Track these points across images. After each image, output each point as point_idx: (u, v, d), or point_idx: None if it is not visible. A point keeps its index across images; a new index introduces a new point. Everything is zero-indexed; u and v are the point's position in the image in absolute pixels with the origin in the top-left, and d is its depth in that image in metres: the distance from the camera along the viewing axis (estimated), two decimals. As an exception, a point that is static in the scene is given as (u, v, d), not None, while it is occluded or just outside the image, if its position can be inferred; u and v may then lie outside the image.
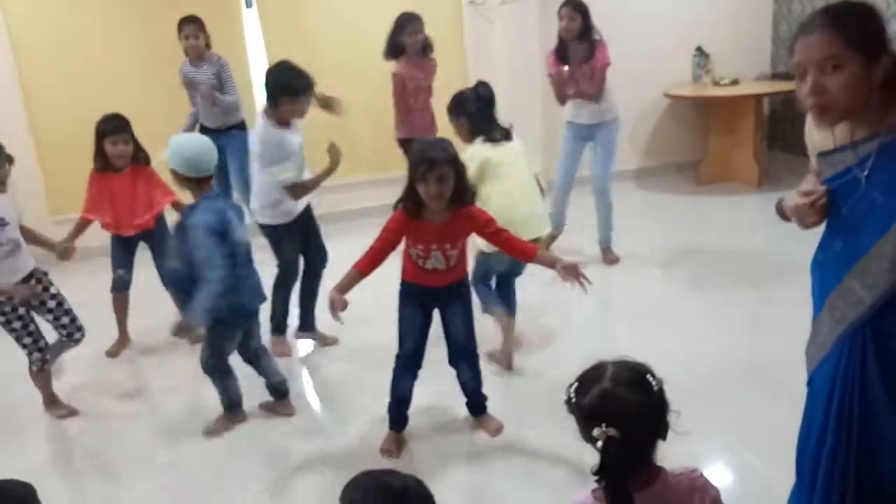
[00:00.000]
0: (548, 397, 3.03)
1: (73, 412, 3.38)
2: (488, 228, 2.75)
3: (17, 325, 3.17)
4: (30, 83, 5.27)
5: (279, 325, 3.83)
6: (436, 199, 2.59)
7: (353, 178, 5.54)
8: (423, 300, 2.88)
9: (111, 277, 3.89)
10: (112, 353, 3.96)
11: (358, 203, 5.65)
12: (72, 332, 3.31)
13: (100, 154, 3.61)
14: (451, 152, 2.63)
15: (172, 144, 2.93)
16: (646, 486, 1.43)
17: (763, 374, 3.09)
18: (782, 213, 1.78)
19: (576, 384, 1.45)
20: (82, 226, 3.70)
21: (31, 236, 3.28)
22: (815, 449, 1.80)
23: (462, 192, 2.67)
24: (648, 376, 1.44)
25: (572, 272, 2.59)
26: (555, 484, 2.62)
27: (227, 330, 3.05)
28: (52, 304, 3.23)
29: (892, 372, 1.65)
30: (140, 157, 3.68)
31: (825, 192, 1.68)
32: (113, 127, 3.57)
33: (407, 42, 4.64)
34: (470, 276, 3.06)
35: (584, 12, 4.47)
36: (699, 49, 6.18)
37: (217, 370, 3.13)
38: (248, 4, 5.73)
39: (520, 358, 3.51)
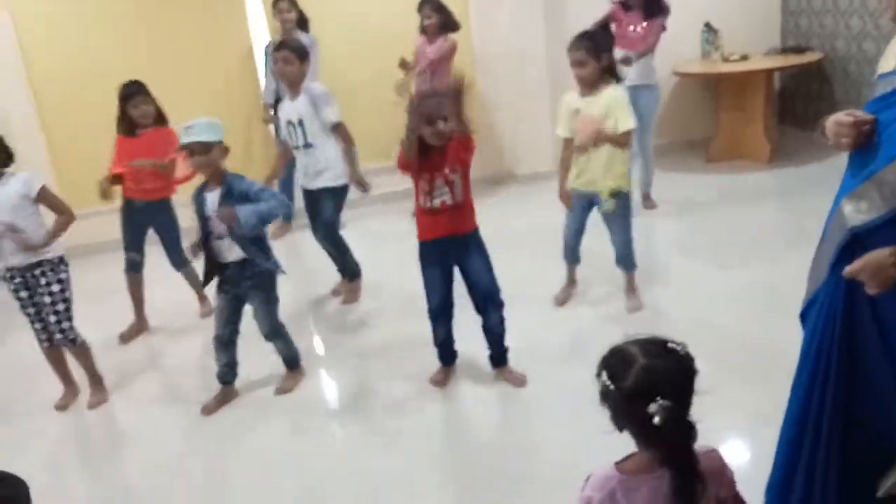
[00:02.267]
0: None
1: (74, 394, 3.52)
2: (466, 146, 2.92)
3: (31, 311, 3.32)
4: (39, 83, 5.30)
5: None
6: (442, 139, 2.87)
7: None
8: (440, 256, 3.08)
9: (124, 258, 4.05)
10: (126, 337, 4.08)
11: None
12: (53, 331, 3.33)
13: (123, 118, 3.83)
14: (450, 96, 2.84)
15: (199, 124, 3.07)
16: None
17: (776, 349, 3.05)
18: (823, 133, 1.77)
19: (605, 373, 1.44)
20: (112, 180, 3.82)
21: (60, 219, 3.30)
22: (795, 385, 1.83)
23: (463, 129, 2.88)
24: (670, 343, 1.45)
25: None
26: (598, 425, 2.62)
27: (275, 291, 3.30)
28: (45, 300, 3.27)
29: (886, 312, 1.64)
30: (162, 119, 3.91)
31: (873, 120, 1.67)
32: (133, 90, 3.81)
33: (425, 25, 5.10)
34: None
35: None
36: (707, 25, 6.10)
37: (282, 330, 3.40)
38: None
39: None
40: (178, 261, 4.10)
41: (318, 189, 4.02)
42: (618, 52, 4.66)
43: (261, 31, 5.66)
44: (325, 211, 4.07)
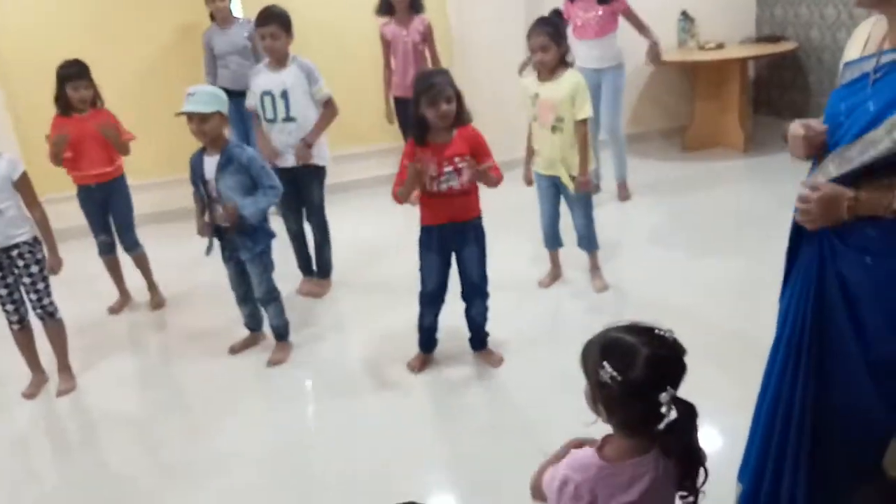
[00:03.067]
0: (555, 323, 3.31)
1: (42, 382, 3.48)
2: (481, 149, 3.03)
3: (2, 291, 3.28)
4: (12, 77, 5.21)
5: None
6: (443, 118, 2.90)
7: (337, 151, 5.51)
8: (441, 243, 3.11)
9: (95, 244, 4.07)
10: (114, 309, 4.18)
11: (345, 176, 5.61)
12: (34, 307, 3.33)
13: (61, 98, 3.78)
14: (451, 79, 2.96)
15: (217, 92, 3.23)
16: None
17: (752, 338, 3.10)
18: (785, 140, 1.79)
19: (607, 364, 1.42)
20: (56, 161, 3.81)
21: (44, 233, 3.30)
22: (768, 373, 1.86)
23: (461, 113, 2.97)
24: (657, 330, 1.45)
25: (481, 173, 2.99)
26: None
27: (270, 255, 3.41)
28: (26, 280, 3.27)
29: (857, 293, 1.66)
30: (97, 102, 3.86)
31: (823, 131, 1.69)
32: (75, 72, 3.75)
33: (394, 1, 4.80)
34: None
35: None
36: (684, 13, 6.13)
37: (277, 295, 3.48)
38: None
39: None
40: (130, 243, 4.11)
41: (301, 167, 3.87)
42: (584, 47, 4.75)
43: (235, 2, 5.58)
44: (314, 193, 3.97)
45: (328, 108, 3.90)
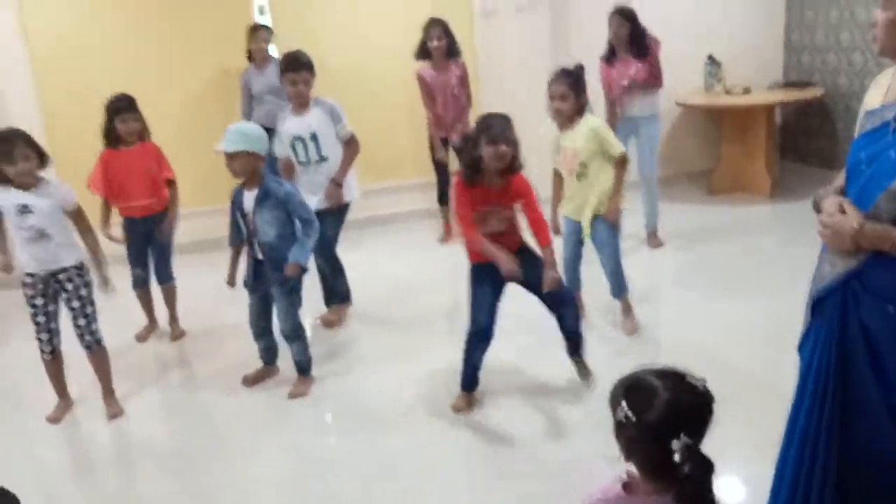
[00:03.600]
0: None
1: (67, 407, 3.50)
2: (528, 198, 3.07)
3: (41, 319, 3.31)
4: (47, 89, 5.34)
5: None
6: (500, 159, 2.92)
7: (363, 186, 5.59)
8: (493, 276, 3.07)
9: (131, 275, 4.14)
10: (142, 336, 4.24)
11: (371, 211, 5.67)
12: (83, 334, 3.36)
13: (110, 132, 3.88)
14: (511, 124, 2.99)
15: (245, 130, 3.27)
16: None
17: (774, 382, 3.05)
18: (816, 208, 1.81)
19: (625, 403, 1.42)
20: (106, 213, 3.96)
21: (88, 240, 3.39)
22: (793, 419, 1.84)
23: (515, 160, 3.00)
24: (689, 378, 1.44)
25: (550, 284, 3.06)
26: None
27: (300, 292, 3.48)
28: (75, 304, 3.30)
29: (878, 340, 1.66)
30: (146, 135, 3.96)
31: (831, 224, 1.71)
32: (123, 106, 3.86)
33: (431, 47, 4.99)
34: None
35: (632, 19, 4.74)
36: (711, 58, 6.16)
37: (302, 332, 3.50)
38: (261, 12, 5.77)
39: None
40: (165, 276, 4.19)
41: (329, 207, 3.94)
42: (633, 106, 4.84)
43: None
44: (328, 229, 3.97)
45: (351, 146, 3.97)
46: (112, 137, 3.89)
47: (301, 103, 3.88)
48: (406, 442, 3.08)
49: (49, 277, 3.26)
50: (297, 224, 3.34)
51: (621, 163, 3.56)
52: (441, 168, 5.35)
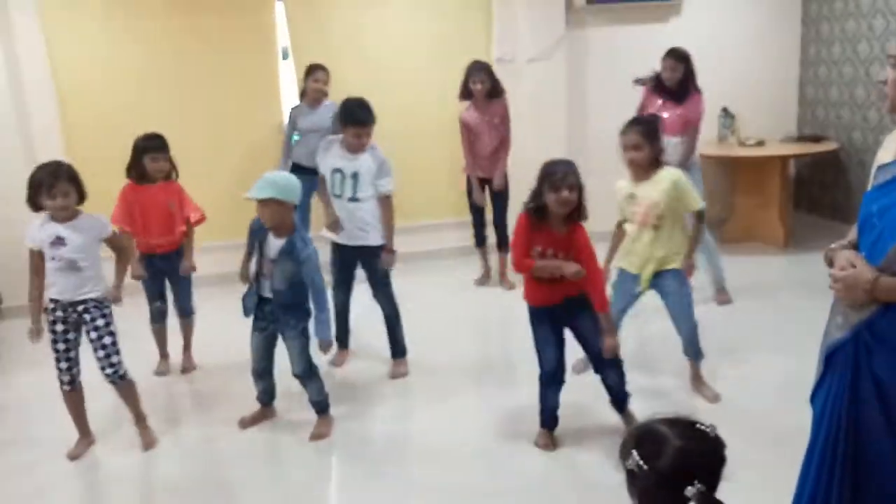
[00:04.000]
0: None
1: (89, 444, 3.49)
2: (586, 255, 3.01)
3: (60, 346, 3.32)
4: (71, 119, 5.47)
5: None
6: (562, 206, 2.92)
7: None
8: (551, 319, 3.12)
9: (149, 311, 4.17)
10: (162, 372, 4.26)
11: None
12: (103, 366, 3.36)
13: (136, 168, 3.94)
14: (576, 169, 2.97)
15: (279, 180, 3.26)
16: None
17: (790, 435, 3.02)
18: (829, 262, 1.83)
19: (635, 452, 1.42)
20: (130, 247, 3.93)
21: (119, 273, 3.49)
22: (805, 469, 1.84)
23: (581, 208, 2.99)
24: (699, 425, 1.44)
25: (610, 352, 3.07)
26: None
27: (308, 331, 3.42)
28: (93, 335, 3.32)
29: (890, 390, 1.67)
30: (172, 174, 4.03)
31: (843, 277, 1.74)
32: (154, 145, 3.95)
33: (474, 89, 5.05)
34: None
35: (686, 61, 4.70)
36: (725, 110, 6.23)
37: (315, 371, 3.48)
38: (285, 56, 5.90)
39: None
40: (186, 310, 4.22)
41: (367, 247, 3.95)
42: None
43: (291, 89, 5.84)
44: (379, 270, 4.00)
45: (388, 205, 3.95)
46: (139, 174, 3.94)
47: (358, 149, 3.88)
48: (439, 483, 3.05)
49: (69, 306, 3.29)
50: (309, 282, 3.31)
51: (700, 217, 3.47)
52: (477, 210, 5.37)
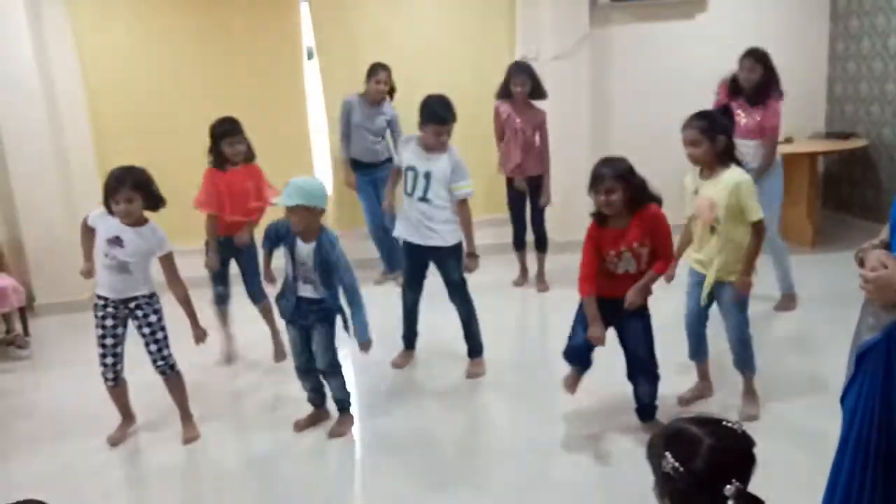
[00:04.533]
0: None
1: (128, 427, 3.56)
2: (659, 230, 3.05)
3: (108, 341, 3.38)
4: (100, 115, 5.56)
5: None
6: (606, 207, 3.00)
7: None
8: (600, 310, 3.10)
9: (212, 293, 4.24)
10: (228, 357, 4.35)
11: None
12: (155, 359, 3.42)
13: (215, 153, 4.01)
14: (621, 169, 2.99)
15: (304, 185, 3.22)
16: None
17: (819, 436, 3.02)
18: (860, 263, 1.81)
19: (668, 454, 1.41)
20: (211, 229, 4.06)
21: (186, 310, 3.43)
22: (836, 471, 1.82)
23: (638, 199, 3.01)
24: (726, 422, 1.44)
25: (631, 299, 3.06)
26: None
27: (335, 328, 3.44)
28: (145, 331, 3.38)
29: None
30: (251, 157, 4.10)
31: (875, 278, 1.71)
32: (230, 129, 3.99)
33: (514, 90, 4.99)
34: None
35: (765, 62, 4.55)
36: (752, 107, 6.16)
37: (339, 368, 3.49)
38: (310, 56, 5.94)
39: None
40: (257, 294, 4.24)
41: (438, 248, 3.87)
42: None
43: (316, 87, 5.87)
44: (453, 271, 3.93)
45: (466, 209, 3.87)
46: (218, 159, 4.01)
47: (438, 148, 3.81)
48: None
49: (120, 303, 3.35)
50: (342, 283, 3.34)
51: (758, 231, 3.18)
52: (515, 212, 5.30)
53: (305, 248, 3.31)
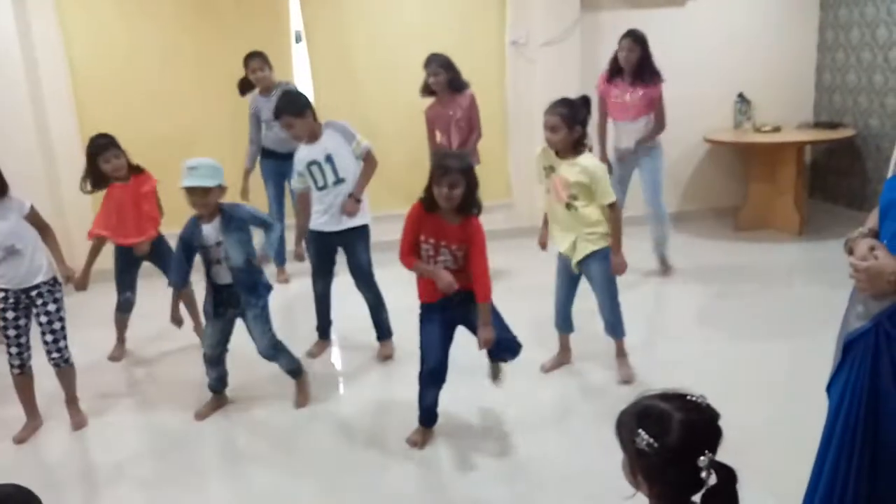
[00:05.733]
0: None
1: (36, 427, 3.48)
2: (475, 247, 2.98)
3: (11, 332, 3.34)
4: (82, 91, 5.48)
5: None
6: (446, 201, 2.90)
7: (389, 210, 5.62)
8: (442, 316, 3.08)
9: (116, 299, 4.13)
10: (115, 357, 4.20)
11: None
12: (49, 350, 3.38)
13: (92, 174, 3.83)
14: (466, 165, 2.96)
15: (204, 166, 3.20)
16: None
17: (802, 426, 3.02)
18: (849, 251, 1.81)
19: (641, 431, 1.41)
20: (95, 250, 3.90)
21: (54, 250, 3.39)
22: (820, 460, 1.83)
23: (469, 203, 2.95)
24: (690, 396, 1.46)
25: (484, 344, 3.03)
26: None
27: (268, 308, 3.44)
28: (42, 319, 3.33)
29: None
30: (136, 168, 3.91)
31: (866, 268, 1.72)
32: (103, 145, 3.81)
33: (430, 82, 4.85)
34: None
35: (643, 43, 4.70)
36: (741, 96, 6.18)
37: (280, 345, 3.51)
38: (298, 39, 5.89)
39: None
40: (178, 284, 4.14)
41: (349, 229, 3.89)
42: (612, 126, 4.88)
43: (304, 71, 5.82)
44: (362, 254, 3.95)
45: (369, 161, 3.88)
46: (94, 179, 3.84)
47: (310, 137, 3.82)
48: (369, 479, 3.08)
49: (21, 293, 3.29)
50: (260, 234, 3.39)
51: (613, 210, 3.40)
52: None
53: (209, 229, 3.27)
